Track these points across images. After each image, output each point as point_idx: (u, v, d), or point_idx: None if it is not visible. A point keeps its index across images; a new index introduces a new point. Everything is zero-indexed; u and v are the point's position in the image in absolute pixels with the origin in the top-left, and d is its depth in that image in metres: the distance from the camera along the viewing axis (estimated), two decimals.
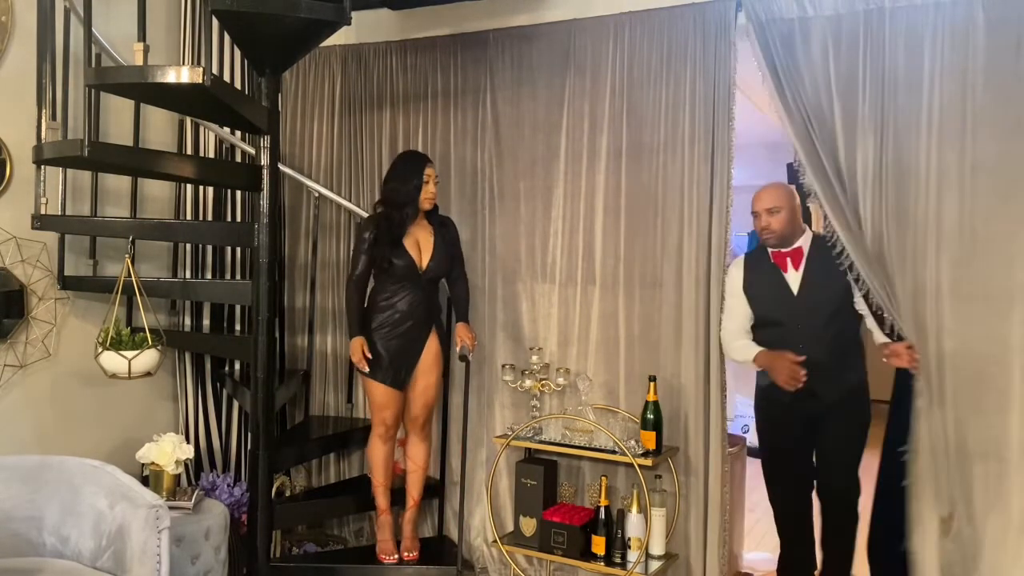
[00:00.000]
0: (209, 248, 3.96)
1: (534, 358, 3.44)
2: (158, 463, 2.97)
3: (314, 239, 4.00)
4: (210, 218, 3.96)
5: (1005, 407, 2.71)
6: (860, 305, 2.99)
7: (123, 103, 3.50)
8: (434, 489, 3.74)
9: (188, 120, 3.91)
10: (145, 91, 2.83)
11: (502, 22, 3.66)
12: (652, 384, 3.15)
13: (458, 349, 3.37)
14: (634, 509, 3.15)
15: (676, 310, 3.27)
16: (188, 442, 3.16)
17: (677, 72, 3.26)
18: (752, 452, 3.58)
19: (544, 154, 3.57)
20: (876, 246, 2.86)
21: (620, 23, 3.38)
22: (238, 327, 4.03)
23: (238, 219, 4.01)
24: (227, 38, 3.88)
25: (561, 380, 3.41)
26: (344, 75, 4.07)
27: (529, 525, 3.36)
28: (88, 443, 3.42)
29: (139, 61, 2.58)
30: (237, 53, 3.93)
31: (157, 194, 3.87)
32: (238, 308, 4.01)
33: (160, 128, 3.86)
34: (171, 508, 2.66)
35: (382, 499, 3.44)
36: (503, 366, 3.54)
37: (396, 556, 3.41)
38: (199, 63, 3.70)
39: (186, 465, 3.38)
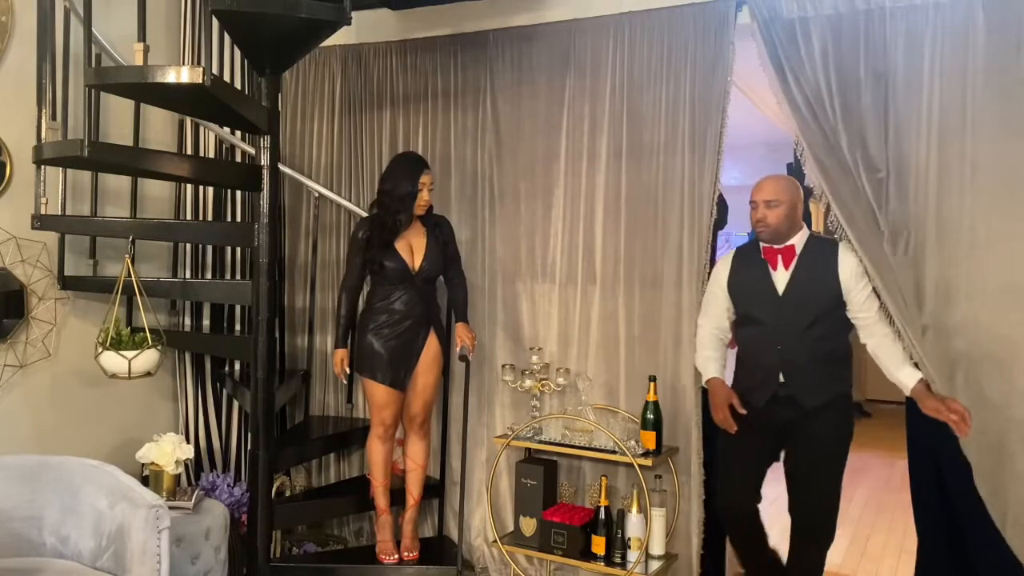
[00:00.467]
0: (209, 248, 3.96)
1: (534, 358, 3.44)
2: (158, 463, 2.97)
3: (314, 239, 4.00)
4: (210, 218, 3.96)
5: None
6: (861, 310, 2.82)
7: (123, 103, 3.50)
8: (434, 489, 3.74)
9: (188, 120, 3.91)
10: (145, 91, 2.83)
11: (502, 22, 3.66)
12: (652, 384, 3.15)
13: (458, 349, 3.37)
14: (634, 509, 3.15)
15: (676, 310, 3.27)
16: (188, 442, 3.17)
17: (677, 72, 3.25)
18: None
19: (544, 154, 3.57)
20: (891, 243, 2.82)
21: (620, 23, 3.38)
22: (238, 327, 4.03)
23: (238, 219, 4.01)
24: (227, 38, 3.88)
25: (561, 380, 3.41)
26: (344, 75, 4.07)
27: (529, 525, 3.36)
28: (88, 443, 3.42)
29: (139, 61, 2.59)
30: (237, 53, 3.93)
31: (157, 194, 3.87)
32: (238, 308, 4.01)
33: (160, 128, 3.86)
34: (171, 508, 2.66)
35: (382, 499, 3.45)
36: (503, 366, 3.54)
37: (396, 556, 3.41)
38: (199, 63, 3.71)
39: (186, 465, 3.39)
